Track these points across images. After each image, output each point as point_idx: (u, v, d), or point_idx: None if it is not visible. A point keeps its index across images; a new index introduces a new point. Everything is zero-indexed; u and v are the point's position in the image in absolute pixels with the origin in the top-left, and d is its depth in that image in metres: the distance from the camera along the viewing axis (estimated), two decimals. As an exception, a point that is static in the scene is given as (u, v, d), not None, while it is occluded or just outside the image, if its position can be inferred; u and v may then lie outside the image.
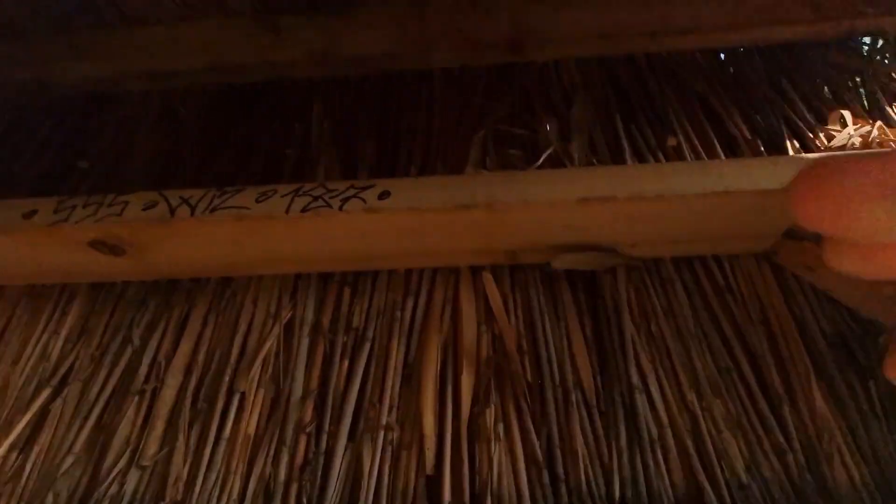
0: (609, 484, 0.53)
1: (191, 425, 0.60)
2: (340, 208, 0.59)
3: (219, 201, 0.62)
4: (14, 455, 0.60)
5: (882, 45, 0.97)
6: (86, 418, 0.62)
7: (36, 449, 0.60)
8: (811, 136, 0.78)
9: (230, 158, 0.88)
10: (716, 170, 0.58)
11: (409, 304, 0.68)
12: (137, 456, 0.58)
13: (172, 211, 0.62)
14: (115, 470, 0.58)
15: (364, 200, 0.60)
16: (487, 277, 0.66)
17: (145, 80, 1.01)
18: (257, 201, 0.61)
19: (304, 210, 0.60)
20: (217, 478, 0.56)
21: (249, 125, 0.93)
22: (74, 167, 0.89)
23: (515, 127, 0.87)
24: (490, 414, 0.58)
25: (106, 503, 0.56)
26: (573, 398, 0.58)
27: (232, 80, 1.01)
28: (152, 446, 0.59)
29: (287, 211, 0.60)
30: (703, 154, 0.78)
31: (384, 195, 0.60)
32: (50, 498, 0.56)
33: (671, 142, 0.80)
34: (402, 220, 0.60)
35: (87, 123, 0.98)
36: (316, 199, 0.61)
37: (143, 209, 0.62)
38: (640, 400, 0.58)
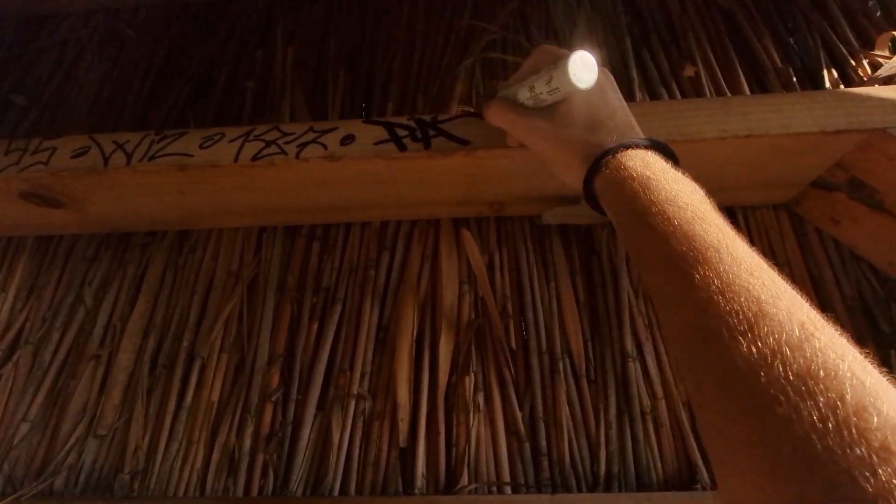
0: (595, 459, 0.50)
1: (149, 392, 0.56)
2: (297, 155, 0.51)
3: (158, 147, 0.53)
4: (-32, 421, 0.57)
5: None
6: (39, 384, 0.58)
7: (-10, 415, 0.57)
8: (853, 63, 0.67)
9: (184, 89, 0.77)
10: (739, 108, 0.48)
11: (384, 260, 0.61)
12: (95, 424, 0.55)
13: (106, 158, 0.53)
14: (73, 439, 0.54)
15: (324, 146, 0.51)
16: (466, 235, 0.59)
17: (85, -2, 0.88)
18: (202, 147, 0.53)
19: (255, 158, 0.51)
20: (179, 448, 0.53)
21: (205, 51, 0.81)
22: (9, 102, 0.79)
23: (509, 51, 0.76)
24: (469, 382, 0.53)
25: (64, 473, 0.53)
26: (560, 366, 0.54)
27: (183, -4, 0.87)
28: (110, 414, 0.55)
29: (236, 159, 0.52)
30: (725, 86, 0.67)
31: (348, 139, 0.51)
32: (6, 467, 0.54)
33: (688, 71, 0.69)
34: (369, 167, 0.52)
35: (21, 49, 0.86)
36: (269, 144, 0.52)
37: (73, 156, 0.54)
38: (634, 368, 0.53)
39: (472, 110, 0.67)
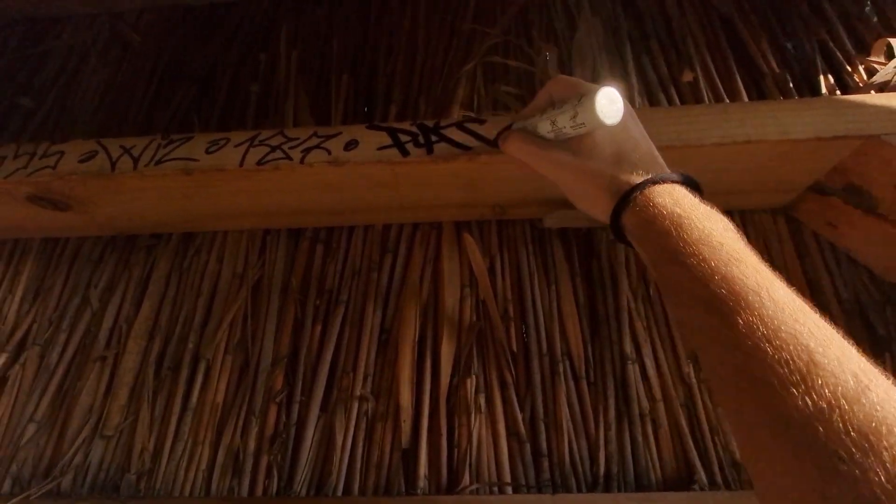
0: (594, 460, 0.50)
1: (155, 394, 0.57)
2: (302, 160, 0.52)
3: (164, 151, 0.54)
4: (-24, 422, 0.58)
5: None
6: (46, 385, 0.59)
7: (-3, 416, 0.58)
8: (849, 69, 0.68)
9: (189, 92, 0.78)
10: (737, 115, 0.49)
11: (387, 263, 0.62)
12: (101, 425, 0.56)
13: (113, 163, 0.54)
14: (79, 440, 0.55)
15: (328, 151, 0.52)
16: (468, 239, 0.60)
17: (92, 2, 0.88)
18: (207, 152, 0.54)
19: (259, 162, 0.52)
20: (184, 448, 0.54)
21: (208, 54, 0.82)
22: (15, 105, 0.79)
23: (510, 56, 0.76)
24: (471, 384, 0.54)
25: (71, 473, 0.54)
26: (561, 368, 0.54)
27: (189, 0, 0.88)
28: (116, 416, 0.56)
29: (241, 163, 0.52)
30: (723, 91, 0.68)
31: (351, 144, 0.52)
32: (14, 467, 0.54)
33: (687, 76, 0.70)
34: (373, 172, 0.53)
35: (27, 52, 0.86)
36: (274, 149, 0.53)
37: (80, 161, 0.55)
38: (633, 371, 0.54)
39: (473, 115, 0.68)
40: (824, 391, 0.21)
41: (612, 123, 0.35)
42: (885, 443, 0.19)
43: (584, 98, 0.35)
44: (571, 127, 0.37)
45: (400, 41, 0.79)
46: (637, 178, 0.34)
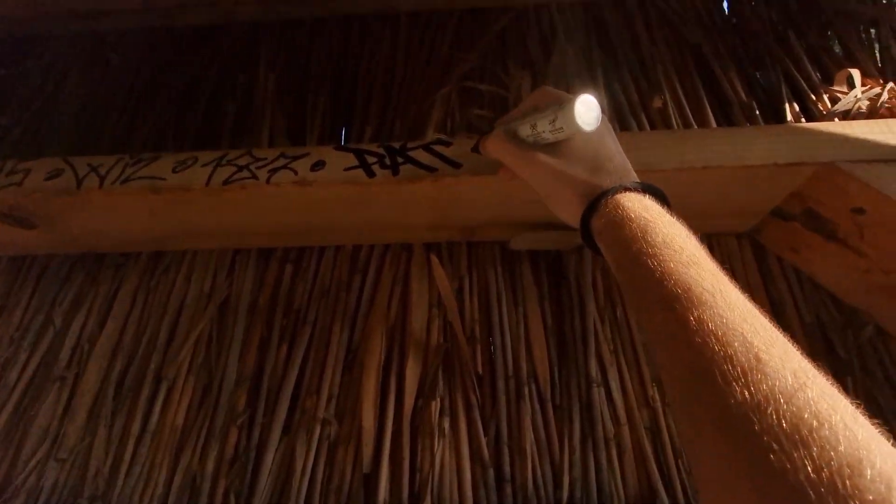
0: (558, 484, 0.50)
1: (114, 415, 0.56)
2: (268, 180, 0.52)
3: (132, 170, 0.54)
4: (-72, 443, 0.56)
5: (903, -10, 0.85)
6: (3, 405, 0.57)
7: (-50, 437, 0.56)
8: (814, 97, 0.70)
9: (165, 112, 0.79)
10: (696, 141, 0.50)
11: (356, 283, 0.62)
12: (57, 447, 0.54)
13: (79, 181, 0.54)
14: (33, 461, 0.54)
15: (295, 172, 0.52)
16: (434, 262, 0.60)
17: (72, 21, 0.90)
18: (174, 171, 0.54)
19: (226, 182, 0.52)
20: (141, 472, 0.53)
21: (188, 74, 0.83)
22: (-8, 122, 0.80)
23: (485, 81, 0.78)
24: (435, 407, 0.53)
25: (23, 496, 0.52)
26: (526, 391, 0.54)
27: (169, 21, 0.89)
28: (72, 437, 0.55)
29: (207, 182, 0.52)
30: (692, 117, 0.70)
31: (318, 165, 0.53)
32: (-37, 491, 0.53)
33: (657, 103, 0.72)
34: (339, 193, 0.53)
35: (6, 70, 0.87)
36: (241, 168, 0.53)
37: (46, 178, 0.55)
38: (598, 394, 0.53)
39: (444, 137, 0.69)
40: (762, 386, 0.22)
41: (588, 130, 0.37)
42: (814, 436, 0.20)
43: (564, 104, 0.37)
44: (551, 132, 0.38)
45: (379, 64, 0.81)
46: (609, 185, 0.36)
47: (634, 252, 0.31)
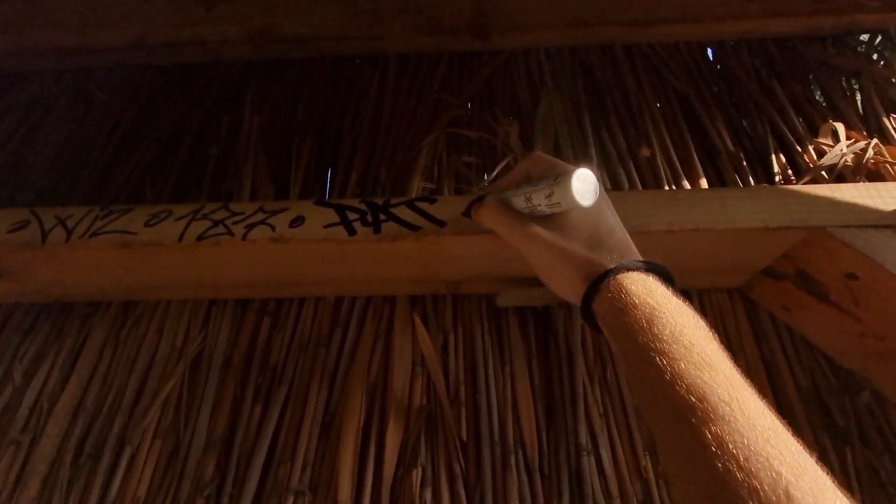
0: (545, 565, 0.47)
1: (71, 484, 0.52)
2: (244, 237, 0.50)
3: (101, 223, 0.52)
4: None
5: (880, 43, 0.87)
6: (-49, 472, 0.53)
7: None
8: (799, 149, 0.70)
9: (148, 153, 0.77)
10: (685, 202, 0.49)
11: (336, 338, 0.59)
12: (5, 521, 0.50)
13: (44, 234, 0.52)
14: (-21, 538, 0.50)
15: (273, 228, 0.50)
16: (418, 322, 0.58)
17: (56, 58, 0.88)
18: (147, 224, 0.52)
19: (200, 238, 0.50)
20: (96, 550, 0.49)
21: (172, 115, 0.81)
22: (-34, 161, 0.77)
23: (473, 126, 0.77)
24: (416, 476, 0.50)
25: (-36, 579, 0.48)
26: (513, 459, 0.51)
27: (155, 60, 0.88)
28: (23, 510, 0.51)
29: (180, 238, 0.50)
30: (679, 166, 0.69)
31: (297, 221, 0.51)
32: None
33: (645, 152, 0.71)
34: (318, 250, 0.51)
35: (-15, 108, 0.85)
36: (216, 224, 0.51)
37: (10, 231, 0.52)
38: (588, 463, 0.51)
39: (432, 187, 0.68)
40: None
41: (586, 205, 0.35)
42: None
43: (560, 177, 0.35)
44: (547, 205, 0.37)
45: (367, 108, 0.80)
46: (611, 263, 0.34)
47: (641, 345, 0.29)
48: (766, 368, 0.56)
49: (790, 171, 0.69)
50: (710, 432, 0.23)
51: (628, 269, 0.33)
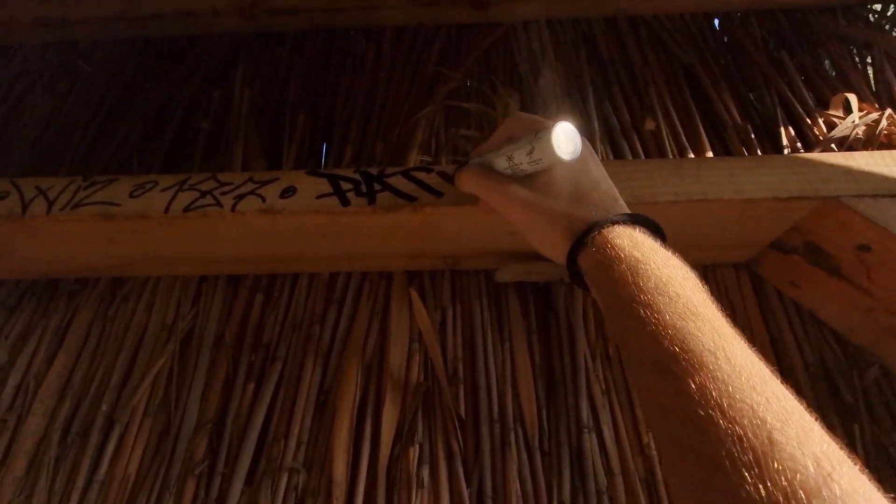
0: (545, 543, 0.46)
1: (58, 463, 0.50)
2: (233, 208, 0.48)
3: (84, 194, 0.50)
4: None
5: (894, 14, 0.84)
6: (-65, 452, 0.52)
7: None
8: (809, 122, 0.68)
9: (135, 128, 0.74)
10: (692, 171, 0.47)
11: (331, 315, 0.58)
12: (-9, 501, 0.49)
13: (25, 206, 0.49)
14: (-36, 518, 0.48)
15: (263, 198, 0.48)
16: (415, 297, 0.56)
17: (39, 30, 0.85)
18: (132, 195, 0.49)
19: (187, 209, 0.48)
20: (85, 529, 0.47)
21: (160, 89, 0.79)
22: (-54, 136, 0.75)
23: (472, 100, 0.75)
24: (414, 454, 0.49)
25: (-50, 559, 0.47)
26: (512, 437, 0.50)
27: (143, 32, 0.85)
28: (9, 490, 0.49)
29: (166, 210, 0.48)
30: (685, 140, 0.67)
31: (288, 192, 0.49)
32: None
33: (649, 125, 0.69)
34: (310, 222, 0.49)
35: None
36: (204, 194, 0.49)
37: (-11, 202, 0.50)
38: (590, 441, 0.50)
39: (429, 160, 0.66)
40: (780, 479, 0.18)
41: (569, 160, 0.34)
42: None
43: (540, 133, 0.34)
44: (528, 163, 0.35)
45: (361, 82, 0.77)
46: (595, 218, 0.32)
47: (625, 298, 0.27)
48: (773, 345, 0.54)
49: (799, 145, 0.66)
50: (694, 382, 0.22)
51: (613, 223, 0.31)
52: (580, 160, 0.35)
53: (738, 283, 0.58)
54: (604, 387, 0.53)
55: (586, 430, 0.50)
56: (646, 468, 0.49)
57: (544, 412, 0.52)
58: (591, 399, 0.52)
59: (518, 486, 0.48)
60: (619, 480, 0.48)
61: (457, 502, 0.47)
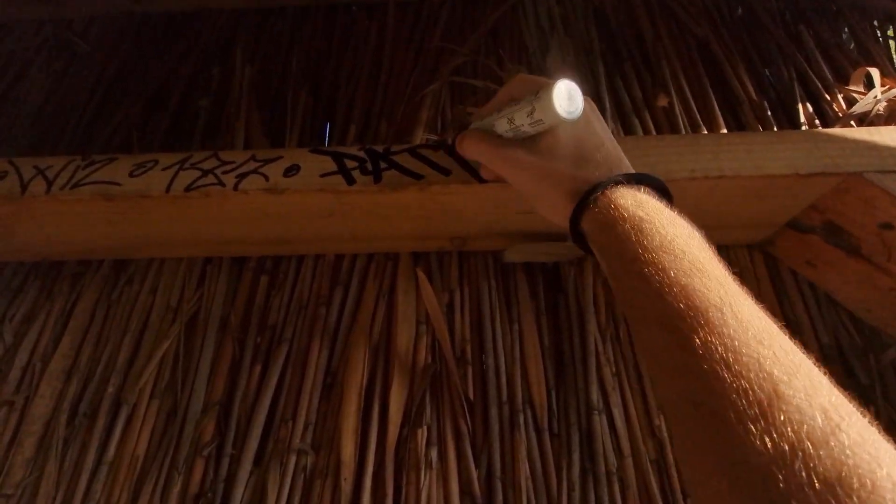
0: (555, 524, 0.45)
1: (67, 444, 0.50)
2: (235, 187, 0.47)
3: (84, 174, 0.49)
4: None
5: (919, -16, 0.81)
6: (-56, 433, 0.52)
7: None
8: (828, 97, 0.65)
9: (134, 106, 0.73)
10: (710, 147, 0.45)
11: (337, 297, 0.57)
12: (0, 482, 0.49)
13: (24, 186, 0.48)
14: (-25, 498, 0.48)
15: (266, 177, 0.47)
16: (422, 277, 0.55)
17: (34, 6, 0.83)
18: (132, 175, 0.48)
19: (188, 188, 0.47)
20: (95, 509, 0.48)
21: (159, 66, 0.77)
22: (-57, 116, 0.73)
23: (479, 76, 0.73)
24: (422, 436, 0.49)
25: (-38, 538, 0.47)
26: (521, 419, 0.49)
27: (139, 7, 0.83)
28: (19, 471, 0.49)
29: (168, 189, 0.47)
30: (699, 117, 0.65)
31: (292, 170, 0.47)
32: None
33: (662, 101, 0.67)
34: (315, 201, 0.48)
35: (-39, 60, 0.80)
36: (206, 173, 0.48)
37: (-13, 182, 0.49)
38: (600, 422, 0.49)
39: (435, 138, 0.64)
40: (786, 430, 0.18)
41: (570, 119, 0.32)
42: (854, 499, 0.16)
43: (541, 92, 0.32)
44: (529, 124, 0.34)
45: (364, 58, 0.75)
46: (598, 179, 0.31)
47: (628, 258, 0.27)
48: (787, 326, 0.53)
49: (817, 121, 0.64)
50: (699, 337, 0.22)
51: (616, 183, 0.31)
52: (583, 120, 0.34)
53: (751, 264, 0.57)
54: (614, 369, 0.52)
55: (596, 411, 0.49)
56: (656, 450, 0.48)
57: (553, 393, 0.51)
58: (600, 381, 0.51)
59: (527, 467, 0.48)
60: (629, 462, 0.48)
61: (465, 483, 0.47)
